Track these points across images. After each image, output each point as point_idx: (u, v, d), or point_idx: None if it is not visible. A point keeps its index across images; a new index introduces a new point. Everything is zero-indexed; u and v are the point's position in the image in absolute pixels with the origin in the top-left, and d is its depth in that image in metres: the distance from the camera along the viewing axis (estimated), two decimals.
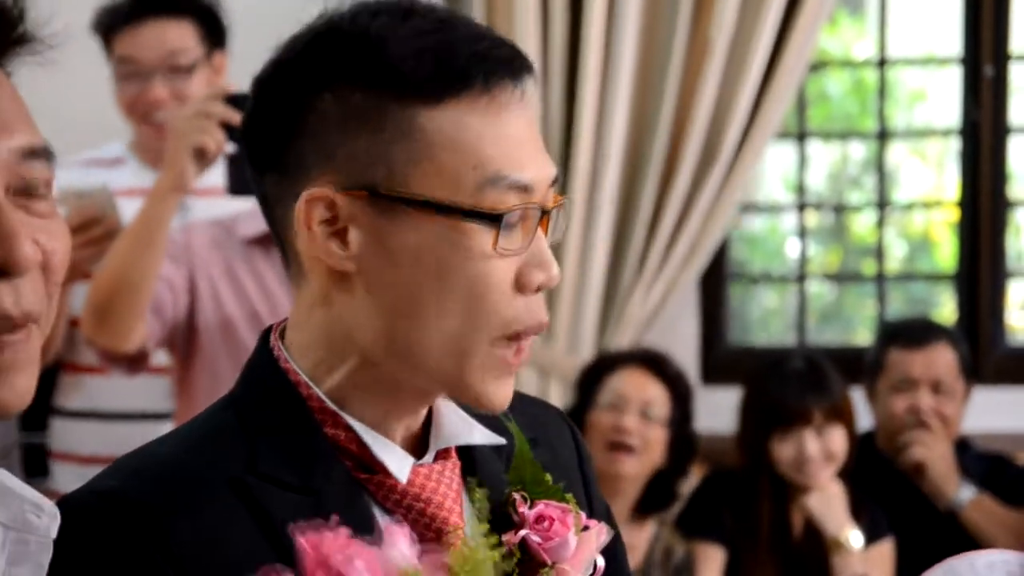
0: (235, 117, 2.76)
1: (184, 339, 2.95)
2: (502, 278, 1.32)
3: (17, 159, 1.12)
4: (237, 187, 2.83)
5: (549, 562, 1.37)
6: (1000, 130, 4.27)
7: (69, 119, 3.55)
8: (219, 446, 1.34)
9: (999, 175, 4.28)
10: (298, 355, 1.37)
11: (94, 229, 2.94)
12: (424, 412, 1.40)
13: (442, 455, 1.40)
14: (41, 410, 3.30)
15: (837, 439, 3.46)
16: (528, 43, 3.85)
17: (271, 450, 1.33)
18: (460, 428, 1.40)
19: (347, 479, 1.34)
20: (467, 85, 1.31)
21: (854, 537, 3.46)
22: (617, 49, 3.85)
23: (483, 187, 1.30)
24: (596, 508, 1.51)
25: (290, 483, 1.32)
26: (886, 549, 3.51)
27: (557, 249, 3.91)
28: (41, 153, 1.14)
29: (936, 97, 5.45)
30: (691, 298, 4.21)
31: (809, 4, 3.89)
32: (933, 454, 3.61)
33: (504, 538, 1.36)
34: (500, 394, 1.35)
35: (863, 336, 5.35)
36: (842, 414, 3.48)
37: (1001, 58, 4.25)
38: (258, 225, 2.99)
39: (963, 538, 3.58)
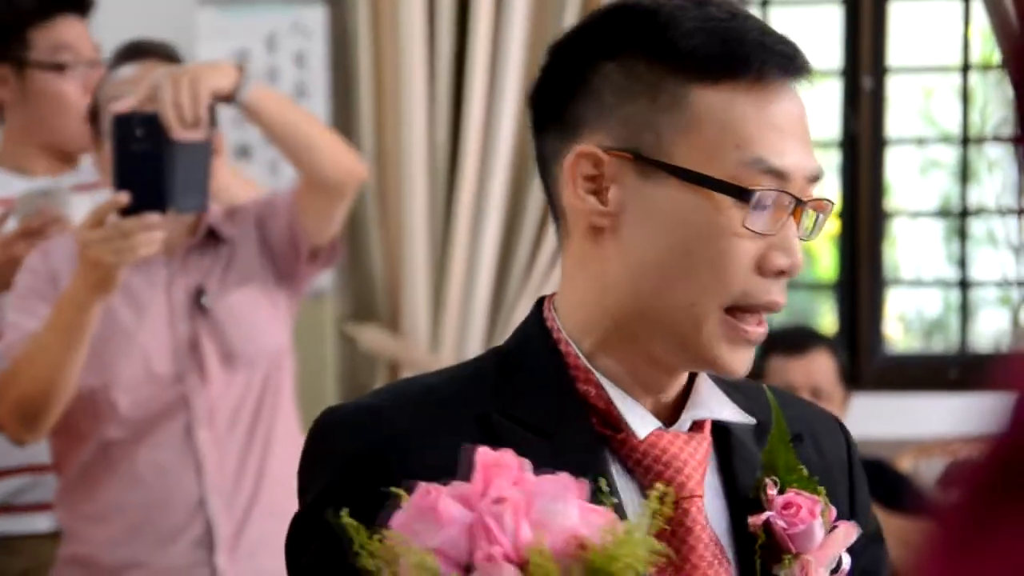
0: (152, 223, 2.68)
1: None
2: (745, 256, 1.38)
3: None
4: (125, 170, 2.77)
5: (792, 549, 1.39)
6: (878, 142, 4.34)
7: None
8: (475, 384, 1.43)
9: (877, 186, 4.36)
10: (563, 315, 1.44)
11: (51, 228, 2.92)
12: (676, 385, 1.45)
13: (696, 428, 1.44)
14: None
15: None
16: (414, 50, 3.86)
17: (521, 395, 1.41)
18: (712, 402, 1.45)
19: (590, 432, 1.40)
20: (744, 70, 1.39)
21: None
22: (505, 50, 3.87)
23: (741, 166, 1.38)
24: (860, 520, 1.51)
25: (534, 426, 1.39)
26: None
27: (444, 255, 3.94)
28: None
29: (816, 110, 5.52)
30: None
31: None
32: None
33: (750, 520, 1.41)
34: (736, 360, 1.40)
35: None
36: None
37: (879, 70, 4.32)
38: None
39: None
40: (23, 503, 3.17)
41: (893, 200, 4.57)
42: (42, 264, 2.91)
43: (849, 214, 4.38)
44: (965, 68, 4.39)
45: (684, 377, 1.45)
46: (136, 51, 3.17)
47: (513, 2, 3.85)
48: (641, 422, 1.41)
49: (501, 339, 4.20)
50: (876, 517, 1.56)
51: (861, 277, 4.37)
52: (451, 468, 1.32)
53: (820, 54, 4.70)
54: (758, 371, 3.76)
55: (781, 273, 1.39)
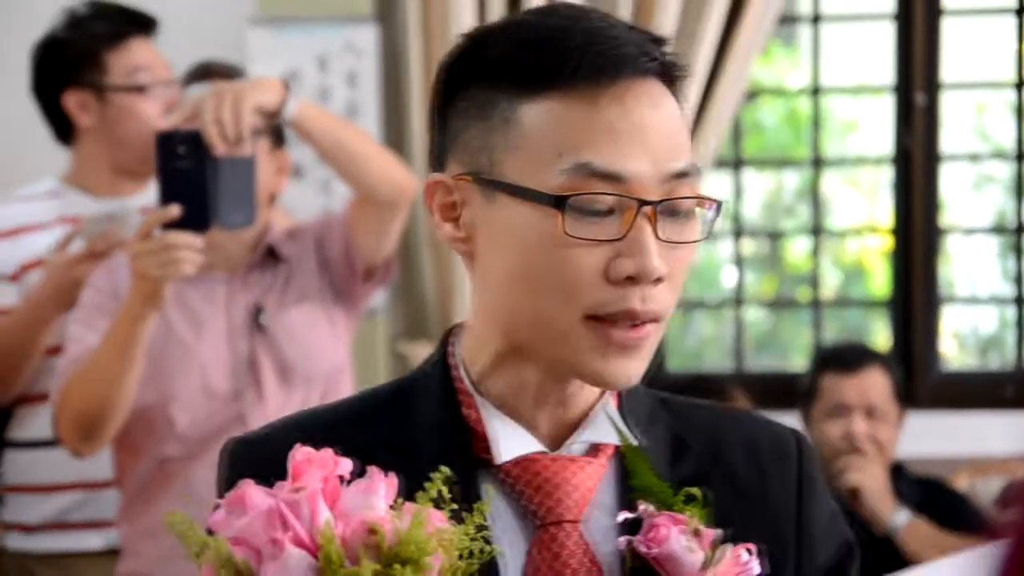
0: (195, 243, 2.72)
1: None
2: (588, 265, 1.35)
3: None
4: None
5: (661, 573, 1.36)
6: (932, 158, 4.32)
7: None
8: (364, 413, 1.46)
9: (931, 202, 4.33)
10: (463, 341, 1.46)
11: (115, 251, 2.96)
12: (579, 400, 1.43)
13: (595, 452, 1.43)
14: None
15: None
16: None
17: (406, 422, 1.43)
18: (601, 428, 1.43)
19: (467, 458, 1.40)
20: (560, 77, 1.36)
21: None
22: None
23: (568, 174, 1.35)
24: (806, 542, 1.47)
25: (411, 452, 1.39)
26: None
27: None
28: None
29: (868, 126, 5.51)
30: None
31: (743, 35, 3.93)
32: (868, 478, 3.65)
33: (617, 542, 1.38)
34: (610, 369, 1.37)
35: (799, 362, 5.40)
36: None
37: (932, 86, 4.30)
38: None
39: (899, 562, 3.61)
40: (76, 520, 3.19)
41: (947, 216, 4.55)
42: (106, 280, 2.94)
43: (903, 231, 4.36)
44: (1019, 84, 4.37)
45: (592, 392, 1.43)
46: (205, 72, 3.20)
47: None
48: (506, 444, 1.40)
49: None
50: (849, 542, 1.50)
51: (915, 294, 4.34)
52: None
53: (873, 71, 4.68)
54: (812, 389, 3.75)
55: (631, 279, 1.35)
